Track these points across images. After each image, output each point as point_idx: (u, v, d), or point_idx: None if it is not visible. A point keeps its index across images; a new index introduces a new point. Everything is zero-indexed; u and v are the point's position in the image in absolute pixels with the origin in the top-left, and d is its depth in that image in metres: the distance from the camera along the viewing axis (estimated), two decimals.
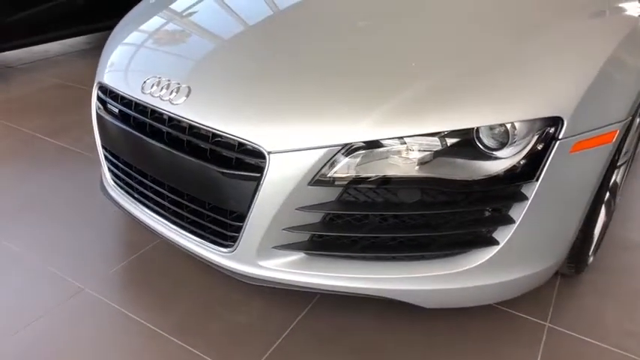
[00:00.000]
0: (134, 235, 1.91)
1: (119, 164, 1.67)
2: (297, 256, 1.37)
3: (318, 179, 1.25)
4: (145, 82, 1.50)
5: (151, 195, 1.58)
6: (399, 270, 1.34)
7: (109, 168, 1.76)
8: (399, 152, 1.25)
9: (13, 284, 1.66)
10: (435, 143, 1.25)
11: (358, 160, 1.25)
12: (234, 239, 1.39)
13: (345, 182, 1.25)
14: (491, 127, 1.24)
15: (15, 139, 2.64)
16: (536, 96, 1.25)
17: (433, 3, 1.69)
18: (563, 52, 1.35)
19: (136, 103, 1.52)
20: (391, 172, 1.25)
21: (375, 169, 1.25)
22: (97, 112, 1.69)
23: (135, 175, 1.61)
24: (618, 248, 1.91)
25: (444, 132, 1.24)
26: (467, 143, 1.25)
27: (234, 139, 1.31)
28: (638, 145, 1.88)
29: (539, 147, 1.24)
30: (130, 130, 1.52)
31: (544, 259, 1.39)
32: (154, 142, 1.45)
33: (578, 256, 1.56)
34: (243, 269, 1.40)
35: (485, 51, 1.37)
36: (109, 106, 1.65)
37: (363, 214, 1.30)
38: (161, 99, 1.43)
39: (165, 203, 1.53)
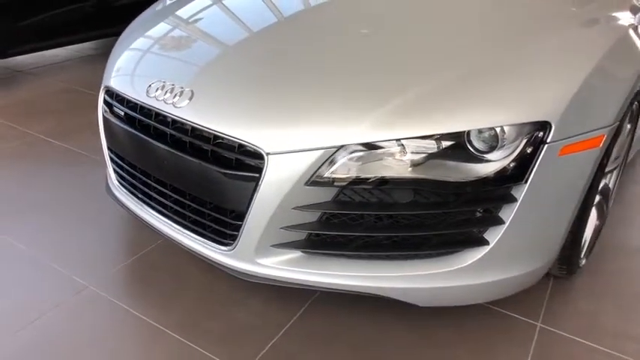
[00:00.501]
0: (137, 235, 1.96)
1: (124, 165, 1.73)
2: (294, 254, 1.42)
3: (315, 180, 1.30)
4: (149, 85, 1.56)
5: (154, 195, 1.63)
6: (393, 268, 1.38)
7: (114, 169, 1.81)
8: (392, 154, 1.29)
9: (19, 281, 1.72)
10: (428, 146, 1.30)
11: (353, 161, 1.29)
12: (233, 238, 1.44)
13: (341, 183, 1.30)
14: (481, 131, 1.29)
15: (23, 141, 2.70)
16: (525, 101, 1.29)
17: (429, 13, 1.74)
18: (552, 59, 1.40)
19: (141, 106, 1.58)
20: (385, 174, 1.29)
21: (370, 171, 1.30)
22: (103, 114, 1.75)
23: (139, 175, 1.67)
24: (613, 252, 1.94)
25: (436, 135, 1.28)
26: (458, 146, 1.30)
27: (234, 141, 1.36)
28: (629, 150, 1.91)
29: (528, 150, 1.29)
30: (135, 132, 1.57)
31: (534, 259, 1.43)
32: (157, 143, 1.50)
33: (569, 258, 1.60)
34: (242, 267, 1.45)
35: (477, 58, 1.42)
36: (115, 109, 1.70)
37: (359, 214, 1.35)
38: (165, 102, 1.49)
39: (168, 203, 1.58)
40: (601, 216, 1.85)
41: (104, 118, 1.74)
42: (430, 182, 1.29)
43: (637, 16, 1.79)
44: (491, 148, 1.29)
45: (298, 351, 1.48)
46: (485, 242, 1.35)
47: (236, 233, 1.42)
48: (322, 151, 1.28)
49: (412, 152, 1.29)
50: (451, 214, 1.34)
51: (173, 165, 1.49)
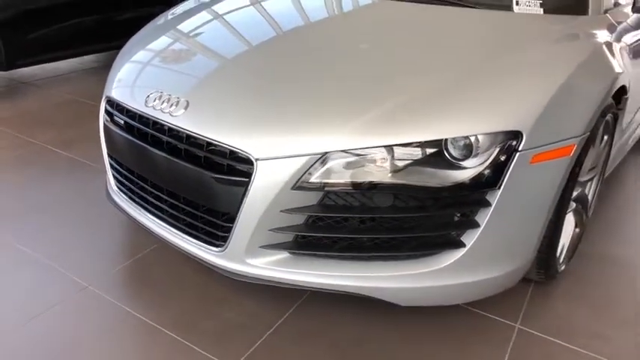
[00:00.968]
0: (135, 238, 2.04)
1: (123, 171, 1.82)
2: (282, 255, 1.50)
3: (301, 184, 1.38)
4: (148, 96, 1.66)
5: (151, 199, 1.72)
6: (375, 269, 1.46)
7: (113, 175, 1.90)
8: (374, 161, 1.38)
9: (22, 281, 1.79)
10: (407, 153, 1.38)
11: (337, 167, 1.38)
12: (225, 239, 1.52)
13: (325, 187, 1.39)
14: (457, 139, 1.37)
15: (27, 150, 2.80)
16: (498, 112, 1.38)
17: (411, 32, 1.85)
18: (525, 73, 1.49)
19: (140, 115, 1.67)
20: (367, 179, 1.38)
21: (352, 176, 1.38)
22: (104, 123, 1.84)
23: (137, 181, 1.75)
24: (593, 260, 2.02)
25: (415, 143, 1.37)
26: (436, 153, 1.38)
27: (226, 148, 1.45)
28: (607, 161, 2.00)
29: (501, 158, 1.37)
30: (134, 139, 1.66)
31: (509, 261, 1.51)
32: (155, 150, 1.59)
33: (546, 263, 1.67)
34: (232, 267, 1.53)
35: (454, 71, 1.51)
36: (115, 118, 1.80)
37: (343, 217, 1.43)
38: (162, 111, 1.58)
39: (164, 206, 1.67)
40: (580, 224, 1.93)
41: (105, 126, 1.84)
42: (409, 187, 1.38)
43: (613, 34, 1.89)
44: (467, 156, 1.37)
45: (287, 347, 1.55)
46: (462, 245, 1.43)
47: (227, 235, 1.51)
48: (308, 157, 1.37)
49: (392, 159, 1.38)
50: (429, 218, 1.42)
51: (169, 170, 1.57)
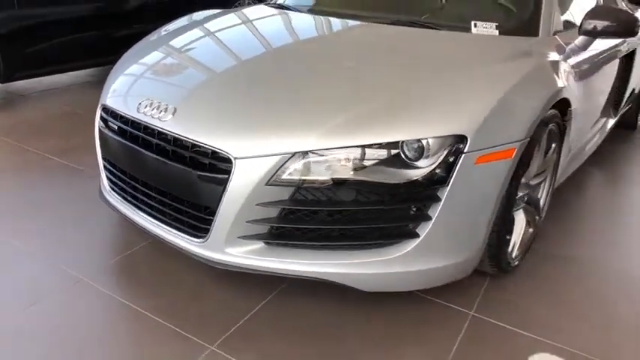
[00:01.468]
0: (126, 236, 2.21)
1: (116, 172, 2.00)
2: (258, 244, 1.68)
3: (274, 180, 1.57)
4: (140, 103, 1.85)
5: (141, 197, 1.89)
6: (340, 257, 1.64)
7: (107, 176, 2.08)
8: (338, 160, 1.57)
9: (21, 275, 1.95)
10: (368, 153, 1.58)
11: (306, 165, 1.57)
12: (206, 231, 1.70)
13: (295, 183, 1.57)
14: (411, 142, 1.57)
15: (26, 157, 2.97)
16: (446, 119, 1.59)
17: (380, 49, 2.08)
18: (471, 86, 1.71)
19: (132, 121, 1.86)
20: (332, 176, 1.57)
21: (320, 173, 1.57)
22: (99, 128, 2.03)
23: (128, 180, 1.93)
24: (546, 258, 2.21)
25: (375, 145, 1.57)
26: (394, 154, 1.58)
27: (208, 148, 1.63)
28: (557, 168, 2.20)
29: (450, 159, 1.57)
30: (127, 142, 1.85)
31: (457, 252, 1.70)
32: (145, 152, 1.78)
33: (497, 256, 1.86)
34: (213, 256, 1.71)
35: (411, 83, 1.73)
36: (109, 123, 1.98)
37: (311, 210, 1.62)
38: (152, 117, 1.77)
39: (153, 203, 1.85)
40: (533, 224, 2.12)
41: (100, 131, 2.02)
42: (370, 184, 1.57)
43: (560, 53, 2.11)
44: (420, 157, 1.57)
45: (261, 332, 1.72)
46: (417, 235, 1.62)
47: (209, 227, 1.68)
48: (280, 156, 1.56)
49: (354, 159, 1.57)
50: (388, 211, 1.61)
51: (158, 169, 1.76)
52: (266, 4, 2.90)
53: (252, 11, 2.67)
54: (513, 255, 2.01)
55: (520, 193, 1.90)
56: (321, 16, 2.50)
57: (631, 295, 1.99)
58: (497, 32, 2.16)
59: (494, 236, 1.78)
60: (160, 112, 1.76)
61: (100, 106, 2.08)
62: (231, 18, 2.57)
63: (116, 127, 1.94)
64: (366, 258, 1.64)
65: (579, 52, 2.26)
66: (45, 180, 2.70)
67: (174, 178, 1.72)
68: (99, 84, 4.51)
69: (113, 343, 1.65)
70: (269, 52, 2.15)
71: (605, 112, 3.05)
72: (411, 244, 1.62)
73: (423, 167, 1.57)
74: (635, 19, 2.22)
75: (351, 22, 2.37)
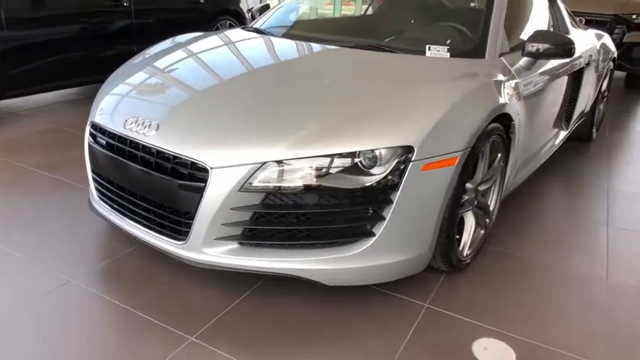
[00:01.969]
0: (114, 243, 2.39)
1: (103, 183, 2.19)
2: (233, 245, 1.88)
3: (246, 187, 1.78)
4: (126, 120, 2.05)
5: (127, 205, 2.09)
6: (306, 254, 1.85)
7: (95, 187, 2.27)
8: (302, 168, 1.79)
9: (11, 277, 2.12)
10: (328, 162, 1.80)
11: (274, 174, 1.78)
12: (186, 234, 1.89)
13: (265, 189, 1.79)
14: (366, 152, 1.80)
15: (15, 172, 3.14)
16: (396, 132, 1.82)
17: (342, 70, 2.32)
18: (420, 102, 1.95)
19: (119, 136, 2.06)
20: (297, 183, 1.78)
21: (287, 181, 1.79)
22: (89, 144, 2.23)
23: (115, 190, 2.13)
24: (498, 257, 2.45)
25: (335, 155, 1.79)
26: (352, 163, 1.80)
27: (187, 160, 1.84)
28: (505, 176, 2.45)
29: (400, 167, 1.80)
30: (114, 155, 2.05)
31: (410, 249, 1.92)
32: (131, 163, 1.98)
33: (448, 254, 2.08)
34: (192, 256, 1.90)
35: (367, 101, 1.96)
36: (98, 138, 2.18)
37: (280, 213, 1.83)
38: (137, 132, 1.98)
39: (138, 210, 2.04)
40: (484, 226, 2.36)
41: (89, 146, 2.22)
42: (331, 189, 1.79)
43: (504, 74, 2.37)
44: (374, 165, 1.80)
45: (238, 325, 1.91)
46: (373, 234, 1.84)
47: (188, 230, 1.88)
48: (251, 165, 1.78)
49: (317, 167, 1.79)
50: (347, 213, 1.83)
51: (142, 179, 1.96)
52: (243, 28, 3.14)
53: (230, 34, 2.91)
54: (464, 254, 2.24)
55: (467, 197, 2.14)
56: (292, 40, 2.75)
57: (567, 289, 2.23)
58: (448, 55, 2.42)
59: (444, 236, 2.01)
60: (145, 128, 1.97)
61: (89, 123, 2.28)
62: (211, 40, 2.80)
63: (104, 142, 2.14)
64: (328, 255, 1.85)
65: (523, 72, 2.52)
66: (34, 193, 2.87)
67: (157, 187, 1.92)
68: (84, 102, 4.71)
69: (99, 336, 1.83)
70: (245, 72, 2.38)
71: (557, 125, 3.33)
72: (368, 242, 1.84)
73: (377, 174, 1.80)
74: (571, 41, 2.49)
75: (320, 46, 2.61)
